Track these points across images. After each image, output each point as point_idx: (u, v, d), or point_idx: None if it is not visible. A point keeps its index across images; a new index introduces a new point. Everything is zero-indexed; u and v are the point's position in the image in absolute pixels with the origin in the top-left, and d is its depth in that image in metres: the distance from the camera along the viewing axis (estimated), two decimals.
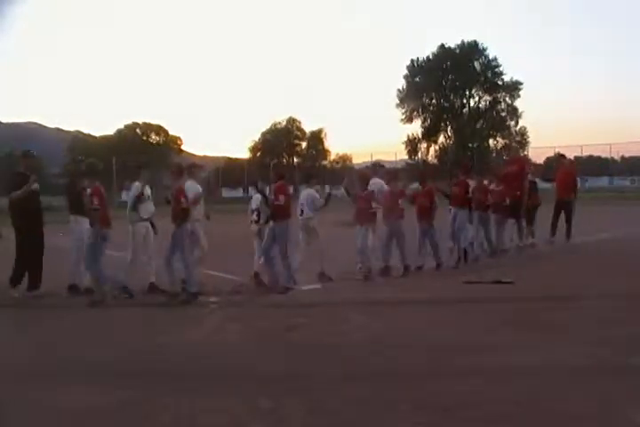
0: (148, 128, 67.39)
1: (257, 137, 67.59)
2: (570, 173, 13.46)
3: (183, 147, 70.17)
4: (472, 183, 10.79)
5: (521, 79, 60.44)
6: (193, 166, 9.12)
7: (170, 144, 67.45)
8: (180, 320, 7.04)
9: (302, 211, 9.11)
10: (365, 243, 9.25)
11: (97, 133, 78.68)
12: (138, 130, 67.25)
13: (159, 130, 67.68)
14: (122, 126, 67.41)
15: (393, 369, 4.86)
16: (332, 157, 67.99)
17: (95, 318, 7.38)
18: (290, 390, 4.42)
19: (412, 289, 8.51)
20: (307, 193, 9.20)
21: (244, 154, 68.01)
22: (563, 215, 12.75)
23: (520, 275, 8.87)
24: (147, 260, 8.44)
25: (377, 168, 11.35)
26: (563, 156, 14.21)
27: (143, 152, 60.14)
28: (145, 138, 67.16)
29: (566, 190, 12.88)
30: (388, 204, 9.39)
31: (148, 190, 8.60)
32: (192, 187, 8.42)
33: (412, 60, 61.77)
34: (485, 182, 11.24)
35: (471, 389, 4.32)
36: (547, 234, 12.50)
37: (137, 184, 8.59)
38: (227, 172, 63.47)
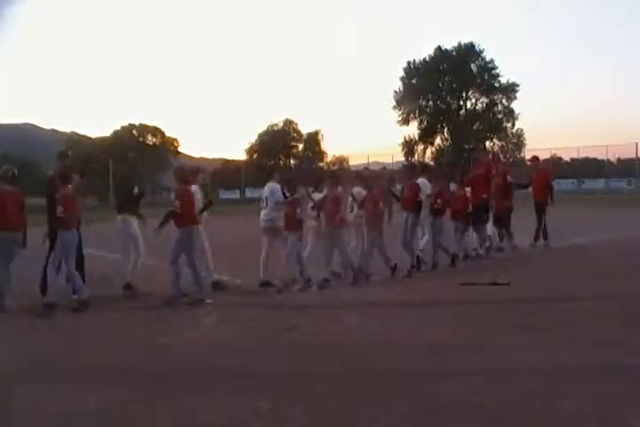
0: (145, 129, 67.19)
1: (253, 139, 67.29)
2: (544, 175, 13.03)
3: (180, 148, 70.09)
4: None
5: (517, 81, 60.19)
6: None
7: (166, 146, 67.26)
8: (179, 321, 7.02)
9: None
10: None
11: (93, 135, 78.53)
12: (134, 131, 67.04)
13: (156, 131, 67.45)
14: (118, 128, 67.36)
15: (392, 370, 4.87)
16: (329, 158, 67.56)
17: (95, 319, 7.36)
18: (289, 391, 4.43)
19: (408, 291, 8.50)
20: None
21: (241, 155, 67.67)
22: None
23: (516, 276, 8.83)
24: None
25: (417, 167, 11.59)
26: (536, 158, 13.74)
27: (140, 154, 60.12)
28: (141, 139, 66.92)
29: (542, 192, 12.59)
30: (330, 209, 8.95)
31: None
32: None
33: (409, 62, 61.69)
34: (453, 188, 10.80)
35: (470, 389, 4.32)
36: (531, 238, 12.35)
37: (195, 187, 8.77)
38: (223, 173, 63.55)
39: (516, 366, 4.88)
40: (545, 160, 32.06)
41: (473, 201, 10.94)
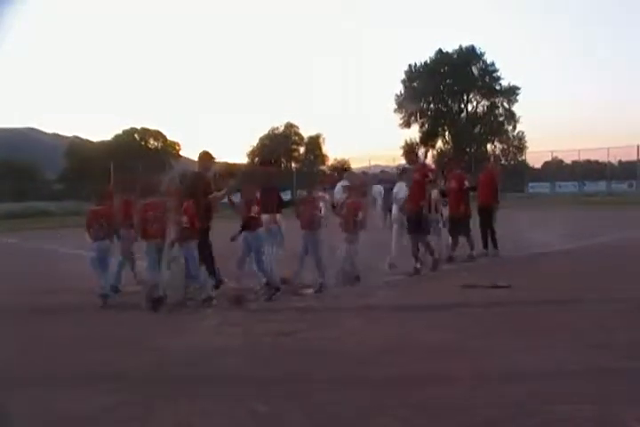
0: (146, 133, 66.67)
1: (255, 142, 66.51)
2: (489, 176, 12.05)
3: (181, 152, 69.71)
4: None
5: (518, 84, 60.78)
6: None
7: (168, 149, 66.91)
8: (177, 324, 6.99)
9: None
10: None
11: (95, 139, 78.33)
12: (136, 135, 66.53)
13: (157, 135, 66.87)
14: (120, 131, 67.24)
15: (392, 374, 4.85)
16: (330, 161, 65.63)
17: (93, 320, 7.35)
18: (288, 395, 4.41)
19: (409, 294, 8.44)
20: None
21: (242, 159, 67.52)
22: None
23: (517, 279, 8.73)
24: None
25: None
26: (488, 159, 12.98)
27: (141, 157, 59.85)
28: (143, 143, 66.46)
29: (486, 196, 11.65)
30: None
31: None
32: None
33: (410, 65, 61.75)
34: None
35: (471, 392, 4.31)
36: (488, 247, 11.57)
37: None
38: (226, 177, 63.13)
39: (516, 369, 4.86)
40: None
41: (410, 209, 10.02)
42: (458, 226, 11.14)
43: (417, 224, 9.91)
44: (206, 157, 8.76)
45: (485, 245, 11.61)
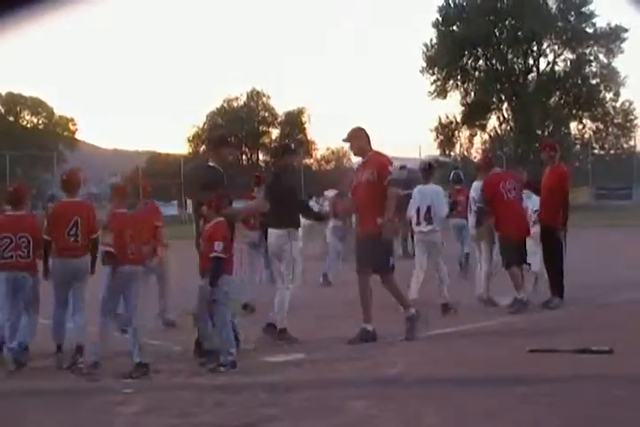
0: (17, 102, 46.70)
1: (201, 121, 48.64)
2: (558, 177, 8.07)
3: (79, 135, 50.86)
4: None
5: (625, 24, 42.28)
6: None
7: (56, 129, 47.22)
8: (84, 412, 4.69)
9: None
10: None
11: None
12: None
13: (38, 106, 47.11)
14: None
15: None
16: (320, 152, 49.17)
17: None
18: None
19: (443, 359, 5.82)
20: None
21: (180, 147, 47.07)
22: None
23: (618, 340, 6.00)
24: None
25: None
26: (548, 147, 8.46)
27: (10, 141, 38.29)
28: (12, 118, 46.48)
29: (549, 211, 8.02)
30: None
31: None
32: None
33: None
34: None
35: None
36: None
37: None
38: (153, 174, 43.35)
39: None
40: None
41: (362, 232, 6.94)
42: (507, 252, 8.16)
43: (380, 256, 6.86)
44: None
45: (555, 287, 8.21)
